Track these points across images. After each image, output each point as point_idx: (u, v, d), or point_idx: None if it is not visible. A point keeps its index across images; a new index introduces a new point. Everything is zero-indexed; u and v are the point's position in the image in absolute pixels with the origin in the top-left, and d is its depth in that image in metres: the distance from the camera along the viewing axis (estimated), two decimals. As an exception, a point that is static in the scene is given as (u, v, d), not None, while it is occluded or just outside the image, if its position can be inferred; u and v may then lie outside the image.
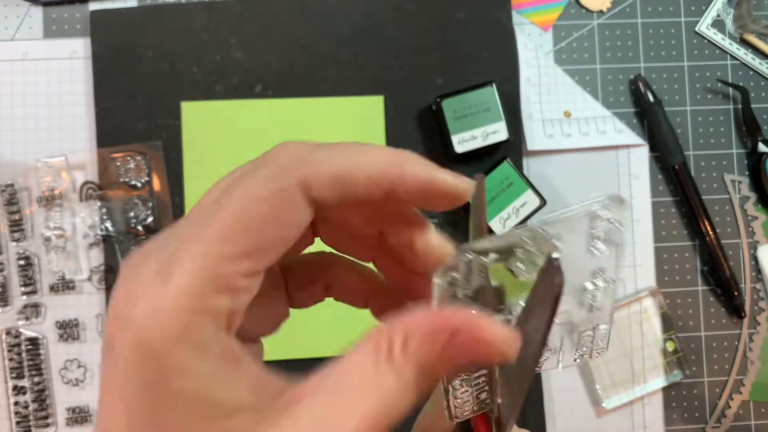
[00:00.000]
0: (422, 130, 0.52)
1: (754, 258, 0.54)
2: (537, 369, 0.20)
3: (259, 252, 0.18)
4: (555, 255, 0.18)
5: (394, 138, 0.52)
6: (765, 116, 0.55)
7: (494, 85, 0.50)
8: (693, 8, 0.55)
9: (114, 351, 0.17)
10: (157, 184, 0.50)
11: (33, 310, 0.50)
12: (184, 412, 0.17)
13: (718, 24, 0.55)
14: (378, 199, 0.20)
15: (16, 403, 0.49)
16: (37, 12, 0.52)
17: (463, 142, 0.50)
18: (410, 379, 0.17)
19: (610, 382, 0.52)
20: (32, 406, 0.49)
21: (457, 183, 0.20)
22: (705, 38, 0.55)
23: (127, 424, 0.17)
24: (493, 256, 0.20)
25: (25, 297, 0.50)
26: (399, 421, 0.18)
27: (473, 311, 0.18)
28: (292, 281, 0.23)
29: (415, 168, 0.19)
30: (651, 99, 0.53)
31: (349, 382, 0.17)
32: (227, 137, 0.51)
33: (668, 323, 0.53)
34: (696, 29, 0.55)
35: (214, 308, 0.17)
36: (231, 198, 0.18)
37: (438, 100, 0.50)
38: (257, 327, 0.22)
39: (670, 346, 0.52)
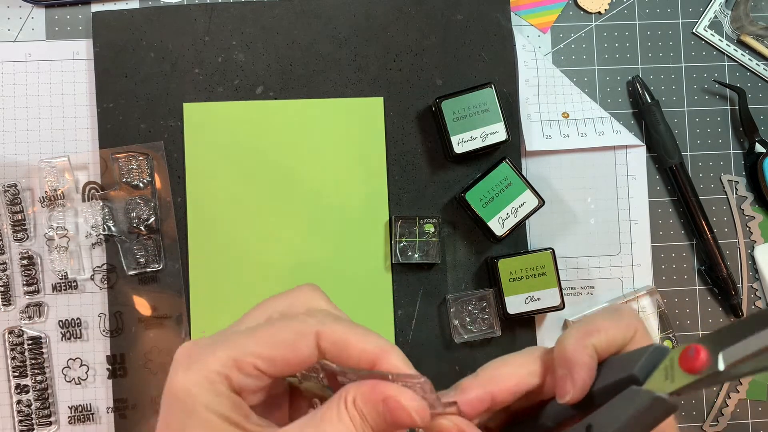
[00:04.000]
0: (422, 130, 0.52)
1: (751, 257, 0.55)
2: None
3: (270, 362, 0.28)
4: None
5: (394, 139, 0.52)
6: (762, 117, 0.55)
7: (493, 87, 0.50)
8: (690, 10, 0.56)
9: (166, 397, 0.28)
10: (159, 185, 0.51)
11: (36, 309, 0.50)
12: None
13: (715, 25, 0.56)
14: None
15: (19, 402, 0.50)
16: (40, 13, 0.52)
17: (462, 142, 0.50)
18: (357, 423, 0.27)
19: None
20: (35, 405, 0.50)
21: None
22: (702, 39, 0.56)
23: None
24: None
25: (27, 296, 0.50)
26: None
27: (400, 386, 0.27)
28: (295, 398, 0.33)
29: (396, 359, 0.28)
30: (649, 100, 0.53)
31: (319, 424, 0.27)
32: (229, 138, 0.51)
33: (666, 322, 0.53)
34: (693, 31, 0.55)
35: (230, 377, 0.27)
36: (272, 324, 0.29)
37: (437, 101, 0.50)
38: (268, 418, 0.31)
39: (668, 345, 0.53)
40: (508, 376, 0.31)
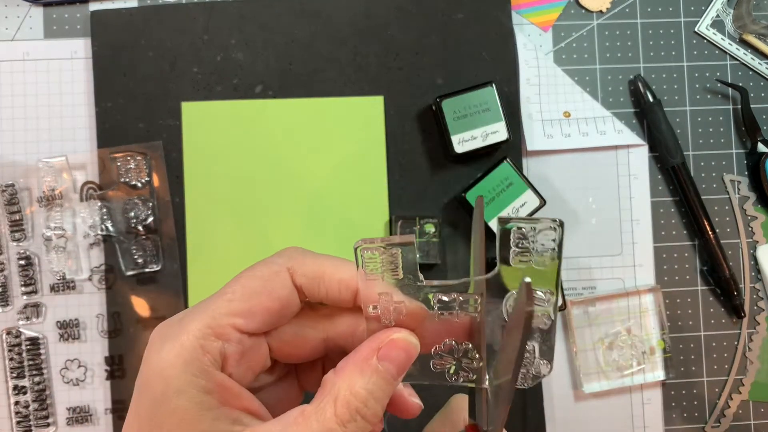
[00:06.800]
0: (422, 130, 0.52)
1: (754, 258, 0.54)
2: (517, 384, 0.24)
3: (249, 314, 0.26)
4: (527, 279, 0.21)
5: (394, 138, 0.52)
6: (764, 116, 0.55)
7: (494, 86, 0.50)
8: (692, 8, 0.55)
9: (138, 382, 0.25)
10: (157, 184, 0.50)
11: (33, 309, 0.50)
12: (177, 423, 0.24)
13: (717, 24, 0.55)
14: (346, 302, 0.27)
15: (17, 403, 0.49)
16: (38, 12, 0.52)
17: (463, 142, 0.50)
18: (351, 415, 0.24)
19: (595, 369, 0.52)
20: (32, 406, 0.49)
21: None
22: (704, 38, 0.55)
23: (138, 429, 0.25)
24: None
25: (25, 297, 0.50)
26: None
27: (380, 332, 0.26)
28: (301, 370, 0.31)
29: None
30: (650, 99, 0.53)
31: (300, 424, 0.24)
32: (227, 137, 0.51)
33: (662, 322, 0.53)
34: (695, 29, 0.55)
35: (209, 348, 0.25)
36: (239, 277, 0.27)
37: (438, 100, 0.50)
38: (280, 405, 0.29)
39: (660, 345, 0.52)
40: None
